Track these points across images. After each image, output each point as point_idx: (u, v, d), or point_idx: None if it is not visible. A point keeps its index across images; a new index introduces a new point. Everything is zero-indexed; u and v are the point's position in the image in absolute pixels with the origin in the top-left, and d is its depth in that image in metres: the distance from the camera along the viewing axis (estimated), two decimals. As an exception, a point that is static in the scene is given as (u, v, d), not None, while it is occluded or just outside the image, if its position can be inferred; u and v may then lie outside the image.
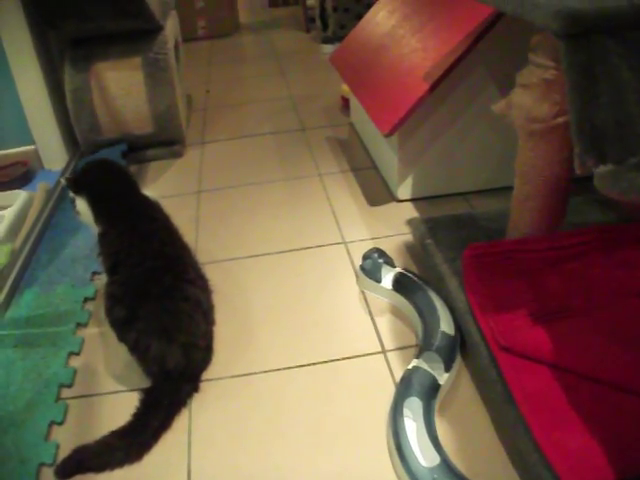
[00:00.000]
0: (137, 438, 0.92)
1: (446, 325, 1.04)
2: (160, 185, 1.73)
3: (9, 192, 1.69)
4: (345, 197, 1.57)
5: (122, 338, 1.00)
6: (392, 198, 1.53)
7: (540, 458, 0.79)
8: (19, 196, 1.65)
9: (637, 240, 1.08)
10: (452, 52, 1.27)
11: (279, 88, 2.38)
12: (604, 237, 1.08)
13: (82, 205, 1.11)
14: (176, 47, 2.01)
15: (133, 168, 1.82)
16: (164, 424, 0.95)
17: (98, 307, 1.24)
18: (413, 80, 1.33)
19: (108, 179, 1.15)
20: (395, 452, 0.87)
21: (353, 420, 0.96)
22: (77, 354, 1.14)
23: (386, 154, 1.55)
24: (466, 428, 0.93)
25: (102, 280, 1.29)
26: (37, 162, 1.87)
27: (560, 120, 0.92)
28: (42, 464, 0.92)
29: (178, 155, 1.89)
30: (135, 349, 0.98)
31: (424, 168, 1.46)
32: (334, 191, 1.60)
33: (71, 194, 1.12)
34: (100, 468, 0.89)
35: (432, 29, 1.40)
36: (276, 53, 2.82)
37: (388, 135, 1.32)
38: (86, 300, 1.28)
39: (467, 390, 0.99)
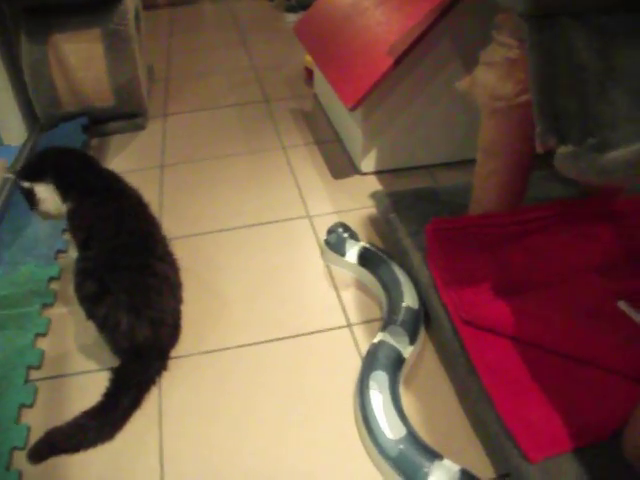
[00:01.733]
0: (108, 417, 0.92)
1: (410, 299, 1.05)
2: (122, 159, 1.68)
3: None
4: (309, 170, 1.56)
5: (91, 314, 0.98)
6: (356, 171, 1.53)
7: (501, 428, 0.81)
8: None
9: (595, 214, 1.10)
10: (417, 26, 1.25)
11: (242, 58, 2.33)
12: (564, 211, 1.10)
13: (44, 191, 1.08)
14: (137, 16, 1.94)
15: (95, 142, 1.77)
16: (134, 403, 0.95)
17: (64, 286, 1.22)
18: (378, 53, 1.31)
19: (69, 158, 1.13)
20: (362, 424, 0.88)
21: (322, 393, 0.97)
22: (44, 335, 1.11)
23: (350, 127, 1.54)
24: (431, 400, 0.94)
25: (67, 259, 1.26)
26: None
27: (523, 98, 0.93)
28: (14, 447, 0.90)
29: (140, 128, 1.84)
30: (104, 325, 0.97)
31: (388, 141, 1.46)
32: (298, 164, 1.59)
33: (26, 185, 1.08)
34: (73, 449, 0.89)
35: (397, 1, 1.38)
36: (238, 22, 2.75)
37: (352, 109, 1.31)
38: (51, 279, 1.24)
39: (431, 362, 1.01)
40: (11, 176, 1.12)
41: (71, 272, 1.02)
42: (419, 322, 1.03)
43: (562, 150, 0.74)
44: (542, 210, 1.10)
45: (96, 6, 1.73)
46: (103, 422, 0.91)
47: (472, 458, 0.86)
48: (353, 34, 1.45)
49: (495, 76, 0.93)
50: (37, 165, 1.10)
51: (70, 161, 1.11)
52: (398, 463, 0.82)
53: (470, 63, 1.18)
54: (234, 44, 2.46)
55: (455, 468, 0.81)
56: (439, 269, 1.03)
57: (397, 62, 1.26)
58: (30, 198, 1.09)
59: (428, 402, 0.94)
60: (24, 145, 1.74)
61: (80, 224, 1.03)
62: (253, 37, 2.53)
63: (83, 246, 1.01)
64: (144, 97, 1.84)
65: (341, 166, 1.56)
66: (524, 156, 1.01)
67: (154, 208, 1.35)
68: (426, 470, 0.81)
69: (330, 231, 1.22)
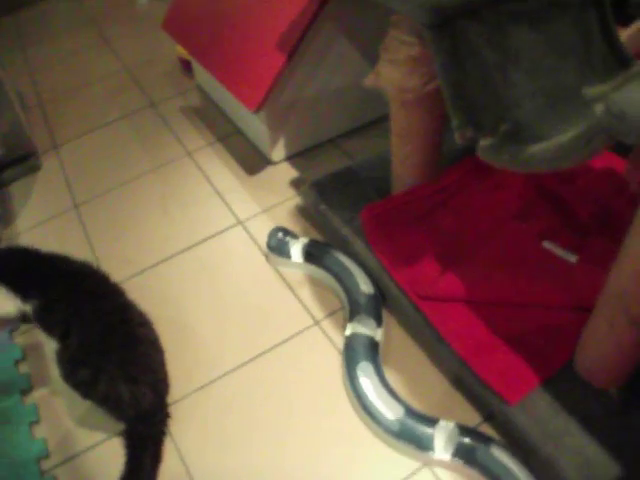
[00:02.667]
0: None
1: (365, 285, 1.15)
2: (32, 209, 1.63)
3: None
4: (222, 172, 1.58)
5: (88, 395, 1.02)
6: (266, 161, 1.57)
7: (476, 380, 0.95)
8: None
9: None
10: (301, 16, 1.28)
11: (110, 60, 2.22)
12: (476, 166, 1.20)
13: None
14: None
15: (-7, 196, 1.68)
16: (157, 459, 1.01)
17: (33, 366, 1.22)
18: (267, 49, 1.33)
19: (11, 257, 1.10)
20: (364, 413, 0.99)
21: (314, 393, 1.07)
22: (37, 422, 1.12)
23: (250, 119, 1.57)
24: (409, 370, 1.07)
25: (24, 334, 1.25)
26: None
27: (430, 87, 1.00)
28: None
29: (36, 169, 1.77)
30: (106, 401, 1.01)
31: (291, 127, 1.51)
32: (209, 168, 1.60)
33: None
34: None
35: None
36: (91, 16, 2.58)
37: (256, 112, 1.34)
38: (16, 363, 1.23)
39: (398, 337, 1.13)
40: None
41: (38, 352, 1.10)
42: (379, 305, 1.14)
43: (483, 143, 0.83)
44: (456, 172, 1.21)
45: None
46: None
47: (458, 412, 1.00)
48: (235, 28, 1.45)
49: (400, 73, 1.00)
50: None
51: (15, 260, 1.09)
52: (405, 436, 0.95)
53: (355, 38, 1.33)
54: (96, 45, 2.34)
55: (451, 425, 0.95)
56: (384, 254, 1.13)
57: (290, 56, 1.29)
58: None
59: (407, 373, 1.06)
60: None
61: (56, 318, 1.03)
62: (113, 32, 2.41)
63: (63, 337, 1.02)
64: (30, 137, 1.77)
65: (251, 160, 1.60)
66: (436, 135, 1.10)
67: (86, 254, 1.38)
68: (430, 434, 0.94)
69: (270, 236, 1.28)
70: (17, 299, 1.06)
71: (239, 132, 1.71)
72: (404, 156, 1.14)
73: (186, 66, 2.00)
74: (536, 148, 0.78)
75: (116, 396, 0.99)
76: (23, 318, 1.09)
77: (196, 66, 1.87)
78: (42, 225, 1.56)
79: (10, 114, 1.68)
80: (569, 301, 1.00)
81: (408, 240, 1.14)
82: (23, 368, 1.22)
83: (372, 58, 1.39)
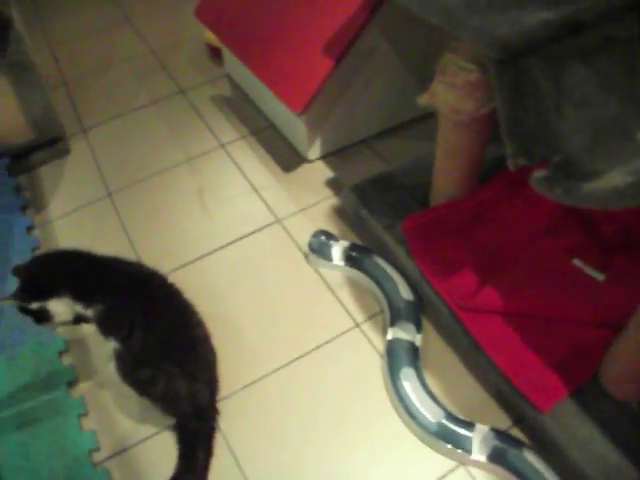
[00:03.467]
0: (193, 474, 1.08)
1: (405, 292, 1.25)
2: (65, 196, 1.69)
3: None
4: (258, 168, 1.65)
5: (146, 393, 1.10)
6: (302, 159, 1.65)
7: (510, 388, 1.06)
8: None
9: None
10: (352, 22, 1.35)
11: (133, 40, 2.25)
12: (511, 181, 1.30)
13: (58, 306, 1.10)
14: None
15: (24, 181, 1.74)
16: (209, 453, 1.11)
17: (77, 358, 1.28)
18: (316, 53, 1.39)
19: (73, 263, 1.15)
20: (406, 415, 1.10)
21: (356, 394, 1.17)
22: (85, 415, 1.18)
23: (286, 116, 1.63)
24: (445, 375, 1.17)
25: (66, 327, 1.26)
26: None
27: (482, 111, 1.08)
28: None
29: (65, 153, 1.82)
30: (164, 398, 1.09)
31: (328, 127, 1.58)
32: (244, 163, 1.67)
33: (35, 307, 1.09)
34: None
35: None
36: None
37: (300, 114, 1.41)
38: (60, 354, 1.28)
39: (435, 343, 1.23)
40: (12, 303, 1.10)
41: (80, 344, 1.19)
42: (418, 311, 1.24)
43: (536, 174, 0.90)
44: (492, 187, 1.30)
45: None
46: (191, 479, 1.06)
47: (490, 415, 1.12)
48: (281, 29, 1.51)
49: (456, 96, 1.07)
50: (44, 281, 1.12)
51: (77, 266, 1.14)
52: (445, 438, 1.06)
53: (398, 46, 1.42)
54: (118, 23, 2.36)
55: (486, 428, 1.06)
56: (425, 263, 1.23)
57: (338, 62, 1.36)
58: (41, 316, 1.11)
59: (443, 377, 1.17)
60: None
61: (120, 321, 1.09)
62: (134, 10, 2.43)
63: (126, 338, 1.09)
64: (62, 123, 1.82)
65: (286, 156, 1.67)
66: (481, 153, 1.19)
67: (124, 246, 1.46)
68: (468, 436, 1.05)
69: (312, 238, 1.37)
70: (77, 304, 1.10)
71: (272, 127, 1.77)
72: (447, 170, 1.23)
73: (214, 53, 2.05)
74: (591, 187, 0.86)
75: (174, 393, 1.08)
76: (75, 320, 1.15)
77: (227, 56, 1.92)
78: (76, 213, 1.62)
79: (42, 98, 1.73)
80: (596, 318, 1.11)
81: (447, 251, 1.23)
82: (67, 360, 1.29)
83: (412, 65, 1.51)
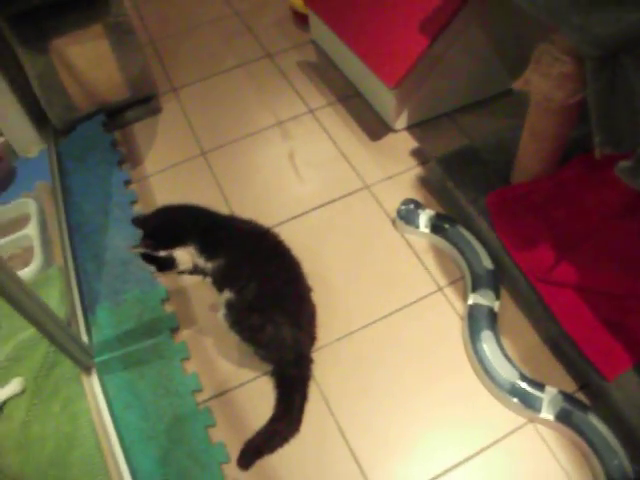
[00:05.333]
0: (291, 417, 1.28)
1: (487, 261, 1.44)
2: (159, 153, 1.87)
3: (13, 202, 1.77)
4: (346, 134, 1.83)
5: (253, 339, 1.29)
6: (388, 128, 1.82)
7: (580, 356, 1.24)
8: (28, 206, 1.74)
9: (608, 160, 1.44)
10: (448, 3, 1.51)
11: (217, 2, 2.40)
12: (587, 164, 1.45)
13: (184, 255, 1.28)
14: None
15: (119, 136, 1.95)
16: (304, 398, 1.31)
17: (178, 306, 1.47)
18: (412, 31, 1.56)
19: (198, 216, 1.33)
20: (484, 375, 1.29)
21: (437, 352, 1.36)
22: (188, 359, 1.37)
23: (375, 86, 1.80)
24: (520, 340, 1.36)
25: (167, 276, 1.48)
26: (9, 153, 1.92)
27: (572, 100, 1.23)
28: (221, 463, 1.22)
29: (157, 111, 2.01)
30: (270, 344, 1.28)
31: (415, 99, 1.75)
32: (333, 129, 1.85)
33: (163, 254, 1.26)
34: (272, 450, 1.25)
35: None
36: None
37: (394, 88, 1.59)
38: (162, 302, 1.46)
39: (511, 310, 1.41)
40: (140, 251, 1.27)
41: (181, 294, 1.37)
42: (498, 279, 1.42)
43: (622, 164, 1.04)
44: (571, 168, 1.46)
45: (87, 0, 1.79)
46: (289, 422, 1.27)
47: (559, 379, 1.30)
48: (378, 6, 1.68)
49: (549, 85, 1.22)
50: (173, 231, 1.30)
51: (202, 220, 1.32)
52: (518, 396, 1.25)
53: (488, 30, 1.56)
54: (200, -18, 2.50)
55: (555, 390, 1.25)
56: (506, 236, 1.41)
57: (433, 41, 1.53)
58: (165, 264, 1.27)
59: (518, 342, 1.35)
60: (47, 154, 1.89)
61: (239, 274, 1.27)
62: None
63: (241, 289, 1.27)
64: (155, 81, 2.02)
65: (372, 125, 1.85)
66: (565, 137, 1.35)
67: (220, 204, 1.63)
68: (539, 397, 1.24)
69: (401, 205, 1.56)
70: (201, 256, 1.28)
71: (358, 95, 1.95)
72: (533, 151, 1.40)
73: (299, 19, 2.21)
74: None
75: (280, 340, 1.28)
76: (192, 271, 1.33)
77: (314, 23, 2.08)
78: (171, 169, 1.83)
79: (140, 59, 1.93)
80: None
81: (527, 227, 1.41)
82: (169, 308, 1.48)
83: (499, 46, 1.68)
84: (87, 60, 1.86)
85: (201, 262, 1.28)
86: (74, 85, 1.87)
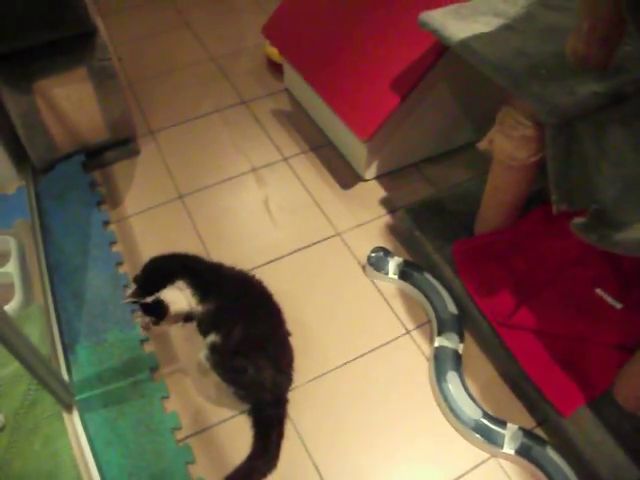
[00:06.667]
0: (268, 454, 1.36)
1: (452, 306, 1.58)
2: (137, 196, 1.95)
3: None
4: (318, 183, 1.96)
5: (235, 381, 1.38)
6: (358, 178, 1.96)
7: (538, 394, 1.37)
8: (8, 243, 1.75)
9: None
10: (419, 63, 1.64)
11: (194, 46, 2.50)
12: (545, 216, 1.61)
13: (175, 294, 1.38)
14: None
15: (98, 177, 2.02)
16: (280, 436, 1.40)
17: (157, 348, 1.54)
18: (384, 87, 1.68)
19: (190, 262, 1.45)
20: (449, 413, 1.42)
21: (405, 392, 1.47)
22: (167, 398, 1.44)
23: (346, 136, 1.93)
24: (482, 380, 1.49)
25: (145, 319, 1.46)
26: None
27: (533, 159, 1.36)
28: None
29: (135, 153, 2.10)
30: (250, 386, 1.37)
31: (385, 151, 1.89)
32: (306, 177, 1.97)
33: (151, 299, 1.35)
34: None
35: (393, 34, 1.74)
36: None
37: (367, 141, 1.72)
38: (142, 342, 1.53)
39: (473, 352, 1.54)
40: (130, 301, 1.37)
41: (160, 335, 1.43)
42: (462, 324, 1.56)
43: (577, 221, 1.15)
44: (529, 220, 1.61)
45: (72, 43, 1.86)
46: (266, 459, 1.36)
47: (518, 416, 1.43)
48: (351, 59, 1.80)
49: (512, 146, 1.36)
50: (160, 274, 1.41)
51: (191, 264, 1.44)
52: (481, 433, 1.38)
53: (456, 88, 1.70)
54: (177, 26, 2.64)
55: (515, 427, 1.38)
56: (471, 282, 1.55)
57: (404, 98, 1.66)
58: (159, 308, 1.34)
59: (481, 382, 1.48)
60: (26, 192, 1.94)
61: (227, 319, 1.37)
62: (192, 15, 2.70)
63: (228, 333, 1.36)
64: (135, 124, 2.11)
65: (343, 173, 1.98)
66: (526, 191, 1.51)
67: (197, 246, 1.72)
68: (502, 433, 1.37)
69: (371, 252, 1.69)
70: (194, 298, 1.39)
71: (330, 144, 2.08)
72: (495, 205, 1.55)
73: (274, 67, 2.33)
74: (621, 236, 1.14)
75: (260, 382, 1.37)
76: (186, 318, 1.43)
77: (288, 72, 2.22)
78: (150, 211, 1.92)
79: (122, 101, 2.01)
80: (613, 340, 1.42)
81: (489, 274, 1.56)
82: (148, 348, 1.56)
83: (465, 101, 1.84)
84: (70, 102, 1.93)
85: (193, 303, 1.38)
86: (56, 125, 1.94)
